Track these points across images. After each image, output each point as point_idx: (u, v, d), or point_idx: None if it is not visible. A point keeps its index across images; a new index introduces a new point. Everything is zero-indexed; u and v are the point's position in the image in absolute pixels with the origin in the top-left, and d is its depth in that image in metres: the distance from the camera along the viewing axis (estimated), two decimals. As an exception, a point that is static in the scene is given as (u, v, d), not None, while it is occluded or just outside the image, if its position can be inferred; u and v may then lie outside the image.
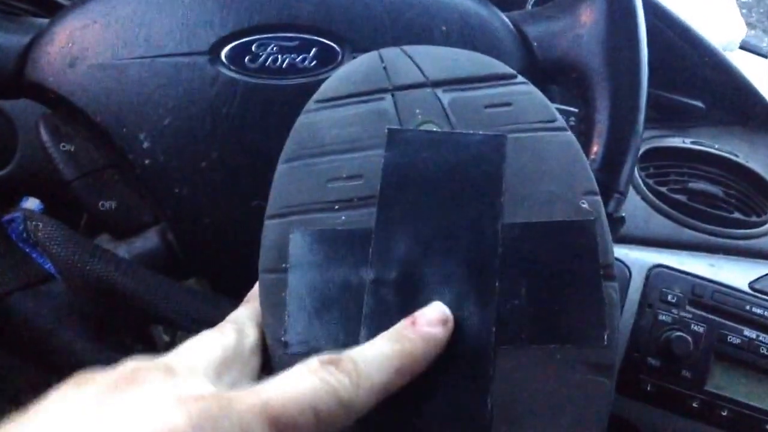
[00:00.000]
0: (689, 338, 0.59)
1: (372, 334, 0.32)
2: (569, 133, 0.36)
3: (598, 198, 0.35)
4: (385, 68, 0.38)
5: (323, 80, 0.39)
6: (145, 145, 0.45)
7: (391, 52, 0.39)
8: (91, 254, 0.43)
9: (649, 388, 0.59)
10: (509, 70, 0.38)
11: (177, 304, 0.45)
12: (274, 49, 0.45)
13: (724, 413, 0.59)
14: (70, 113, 0.46)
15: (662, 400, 0.59)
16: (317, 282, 0.34)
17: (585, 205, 0.34)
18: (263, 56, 0.45)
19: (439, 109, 0.36)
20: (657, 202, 0.67)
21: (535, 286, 0.33)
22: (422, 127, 0.36)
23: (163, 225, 0.48)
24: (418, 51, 0.39)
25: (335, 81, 0.38)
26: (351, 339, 0.33)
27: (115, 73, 0.44)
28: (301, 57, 0.45)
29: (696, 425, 0.59)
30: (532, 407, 0.32)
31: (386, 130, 0.36)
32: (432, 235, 0.34)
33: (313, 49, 0.45)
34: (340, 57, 0.45)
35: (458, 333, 0.33)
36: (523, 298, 0.33)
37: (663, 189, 0.68)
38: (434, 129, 0.36)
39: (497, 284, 0.33)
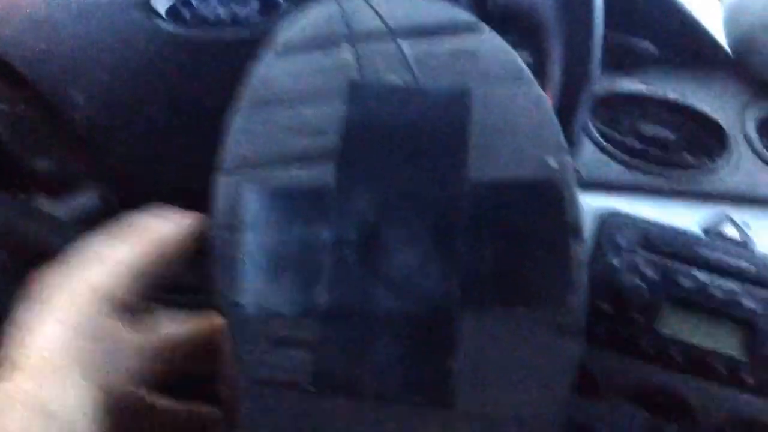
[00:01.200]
0: (641, 282, 0.59)
1: (332, 295, 0.31)
2: (536, 86, 0.35)
3: (568, 155, 0.33)
4: (344, 17, 0.36)
5: (265, 31, 0.37)
6: (80, 101, 0.43)
7: (349, 0, 0.37)
8: (26, 215, 0.42)
9: (601, 333, 0.59)
10: (473, 19, 0.36)
11: None
12: (214, 0, 0.43)
13: (675, 354, 0.59)
14: (2, 71, 0.44)
15: (614, 343, 0.59)
16: (274, 241, 0.33)
17: (553, 162, 0.33)
18: (202, 8, 0.43)
19: (401, 61, 0.35)
20: (608, 146, 0.66)
21: (501, 246, 0.32)
22: (384, 80, 0.34)
23: (100, 184, 0.47)
24: None
25: (291, 29, 0.36)
26: (309, 301, 0.32)
27: (48, 29, 0.42)
28: (241, 8, 0.43)
29: (648, 367, 0.59)
30: (498, 371, 0.32)
31: (347, 83, 0.34)
32: (395, 194, 0.33)
33: (254, 0, 0.43)
34: (282, 6, 0.44)
35: (421, 295, 0.32)
36: (489, 259, 0.32)
37: (614, 133, 0.67)
38: (397, 82, 0.34)
39: (461, 244, 0.32)
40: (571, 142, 0.48)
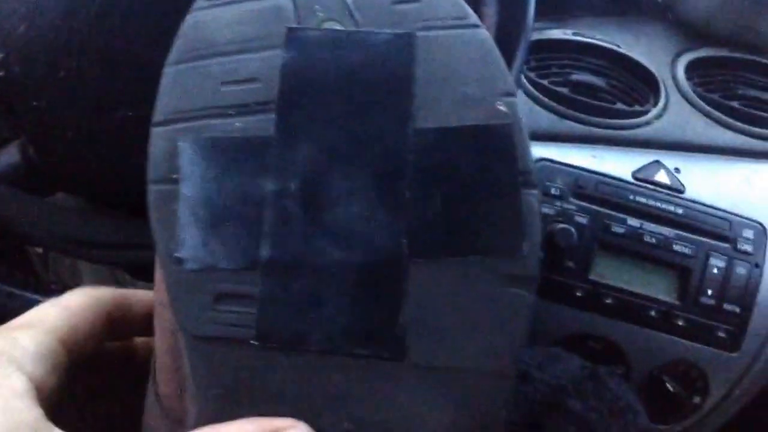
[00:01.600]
0: (573, 229, 0.58)
1: (275, 248, 0.30)
2: (483, 29, 0.33)
3: (516, 100, 0.32)
4: None
5: None
6: None
7: None
8: None
9: (534, 281, 0.58)
10: None
11: (49, 223, 0.43)
12: None
13: (608, 301, 0.59)
14: None
15: (548, 290, 0.59)
16: (212, 193, 0.31)
17: (502, 108, 0.32)
18: None
19: (341, 6, 0.33)
20: (538, 95, 0.65)
21: (450, 195, 0.31)
22: (324, 26, 0.33)
23: (22, 140, 0.45)
24: None
25: None
26: (251, 254, 0.31)
27: None
28: None
29: (581, 314, 0.59)
30: (449, 322, 0.31)
31: (285, 29, 0.32)
32: (337, 143, 0.31)
33: None
34: None
35: (368, 247, 0.30)
36: (437, 208, 0.31)
37: (544, 82, 0.66)
38: (337, 28, 0.33)
39: (408, 194, 0.31)
40: (512, 94, 0.46)
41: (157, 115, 0.32)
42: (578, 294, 0.58)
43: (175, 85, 0.32)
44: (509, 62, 0.46)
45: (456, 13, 0.33)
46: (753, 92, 0.70)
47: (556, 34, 0.70)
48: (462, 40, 0.32)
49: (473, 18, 0.33)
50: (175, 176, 0.31)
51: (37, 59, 0.41)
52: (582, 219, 0.59)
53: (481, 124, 0.31)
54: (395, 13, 0.33)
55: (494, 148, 0.31)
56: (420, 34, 0.32)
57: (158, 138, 0.32)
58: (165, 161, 0.32)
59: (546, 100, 0.65)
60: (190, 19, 0.33)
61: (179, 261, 0.31)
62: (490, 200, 0.31)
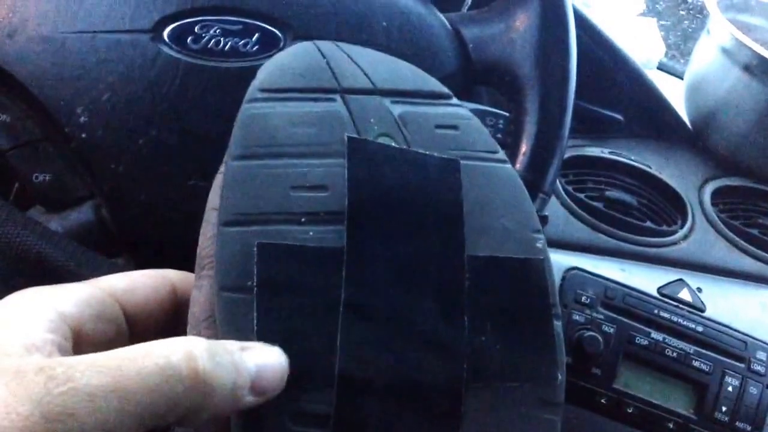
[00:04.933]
0: (600, 338, 0.61)
1: (348, 364, 0.30)
2: (510, 166, 0.35)
3: (543, 236, 0.34)
4: (329, 65, 0.35)
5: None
6: (83, 119, 0.44)
7: (329, 48, 0.36)
8: (22, 226, 0.42)
9: (561, 385, 0.61)
10: (446, 90, 0.37)
11: None
12: (217, 31, 0.45)
13: (630, 410, 0.61)
14: (7, 84, 0.44)
15: (573, 395, 0.61)
16: (289, 305, 0.30)
17: (539, 244, 0.33)
18: (206, 38, 0.45)
19: (392, 122, 0.34)
20: (575, 207, 0.70)
21: (498, 323, 0.32)
22: (379, 140, 0.34)
23: (97, 200, 0.47)
24: (358, 52, 0.36)
25: (277, 70, 0.35)
26: (325, 369, 0.30)
27: (55, 46, 0.44)
28: (243, 41, 0.46)
29: (604, 420, 0.62)
30: None
31: (345, 138, 0.33)
32: (402, 262, 0.32)
33: (256, 34, 0.46)
34: (282, 43, 0.46)
35: (433, 369, 0.31)
36: (489, 335, 0.32)
37: (581, 195, 0.71)
38: (392, 143, 0.34)
39: (467, 320, 0.32)
40: (545, 193, 0.50)
41: (227, 214, 0.31)
42: (602, 401, 0.61)
43: (244, 183, 0.32)
44: (546, 168, 0.50)
45: (488, 146, 0.35)
46: (771, 222, 0.75)
47: (594, 151, 0.75)
48: (495, 174, 0.34)
49: (501, 153, 0.35)
50: (249, 283, 0.30)
51: (118, 126, 0.44)
52: (609, 329, 0.62)
53: (523, 258, 0.33)
54: (439, 138, 0.34)
55: (531, 281, 0.33)
56: (461, 162, 0.34)
57: (230, 239, 0.31)
58: (238, 266, 0.30)
59: (582, 212, 0.69)
60: (247, 108, 0.33)
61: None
62: (529, 329, 0.33)
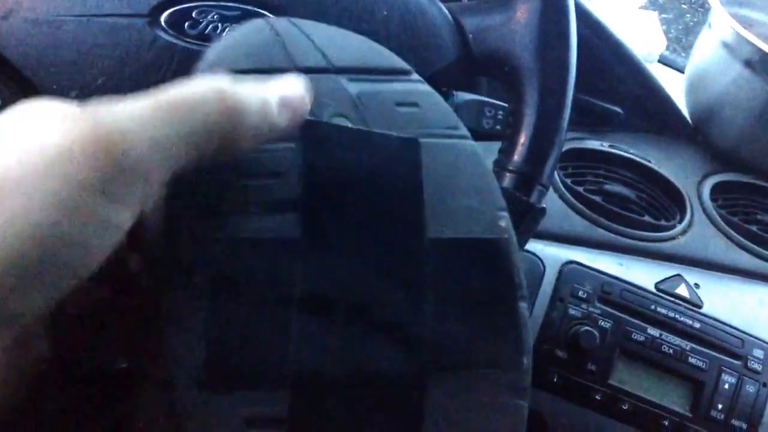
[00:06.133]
0: (596, 333, 0.61)
1: (303, 358, 0.29)
2: (473, 142, 0.34)
3: (507, 214, 0.33)
4: (283, 44, 0.34)
5: None
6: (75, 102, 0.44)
7: (283, 25, 0.34)
8: None
9: (555, 380, 0.61)
10: (406, 66, 0.35)
11: None
12: (215, 17, 0.45)
13: (625, 407, 0.61)
14: (0, 66, 0.44)
15: (568, 391, 0.61)
16: (241, 302, 0.29)
17: (502, 223, 0.33)
18: (203, 23, 0.45)
19: (348, 101, 0.33)
20: (573, 201, 0.69)
21: (461, 308, 0.31)
22: (335, 120, 0.32)
23: None
24: (314, 28, 0.35)
25: (227, 49, 0.33)
26: (280, 368, 0.29)
27: (50, 29, 0.43)
28: (237, 25, 0.45)
29: (598, 417, 0.61)
30: None
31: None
32: (361, 249, 0.31)
33: None
34: None
35: (392, 363, 0.30)
36: (452, 321, 0.31)
37: (580, 189, 0.70)
38: (348, 124, 0.33)
39: (429, 306, 0.31)
40: (543, 185, 0.50)
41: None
42: (597, 397, 0.61)
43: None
44: (544, 159, 0.50)
45: (450, 122, 0.34)
46: (770, 219, 0.74)
47: (594, 145, 0.75)
48: (458, 151, 0.33)
49: (463, 129, 0.34)
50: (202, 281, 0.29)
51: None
52: (605, 324, 0.62)
53: (487, 238, 0.32)
54: (399, 115, 0.33)
55: (496, 262, 0.32)
56: (422, 140, 0.33)
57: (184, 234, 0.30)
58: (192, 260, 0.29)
59: (580, 206, 0.69)
60: None
61: (197, 377, 0.28)
62: (494, 313, 0.32)
